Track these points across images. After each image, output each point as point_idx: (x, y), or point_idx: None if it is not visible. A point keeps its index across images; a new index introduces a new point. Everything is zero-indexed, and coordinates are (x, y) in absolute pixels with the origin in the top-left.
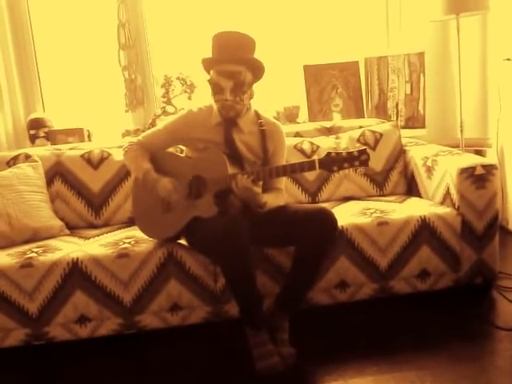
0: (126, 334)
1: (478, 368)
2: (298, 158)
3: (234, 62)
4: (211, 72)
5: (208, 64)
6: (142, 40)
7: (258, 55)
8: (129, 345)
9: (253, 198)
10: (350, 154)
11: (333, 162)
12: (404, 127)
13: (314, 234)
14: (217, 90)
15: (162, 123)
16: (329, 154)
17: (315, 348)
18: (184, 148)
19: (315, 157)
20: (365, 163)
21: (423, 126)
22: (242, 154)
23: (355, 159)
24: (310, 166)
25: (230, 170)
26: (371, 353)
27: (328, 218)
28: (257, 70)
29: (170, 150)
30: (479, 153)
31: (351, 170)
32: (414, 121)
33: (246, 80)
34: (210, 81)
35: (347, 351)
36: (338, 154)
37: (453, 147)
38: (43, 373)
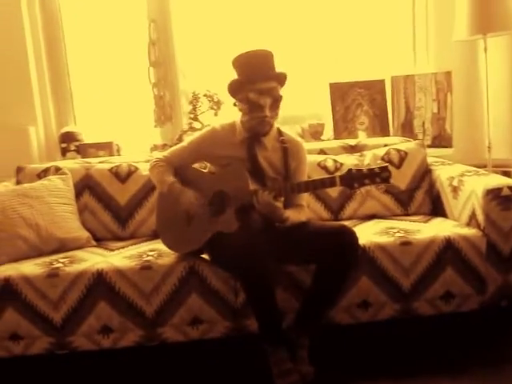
0: (148, 346)
1: None
2: (320, 176)
3: (267, 79)
4: (245, 92)
5: (240, 85)
6: (170, 58)
7: (283, 69)
8: (150, 357)
9: (274, 212)
10: (371, 170)
11: (354, 179)
12: (430, 146)
13: (335, 252)
14: (255, 108)
15: (186, 140)
16: (350, 170)
17: (335, 367)
18: (208, 164)
19: (337, 174)
20: (386, 180)
21: (450, 146)
22: (264, 170)
23: (376, 176)
24: (331, 182)
25: (252, 185)
26: (391, 375)
27: (349, 237)
28: (283, 82)
29: (195, 165)
30: (507, 174)
31: (373, 187)
32: (441, 140)
33: (279, 94)
34: (244, 100)
35: (367, 372)
36: (359, 170)
37: (480, 167)
38: (66, 379)
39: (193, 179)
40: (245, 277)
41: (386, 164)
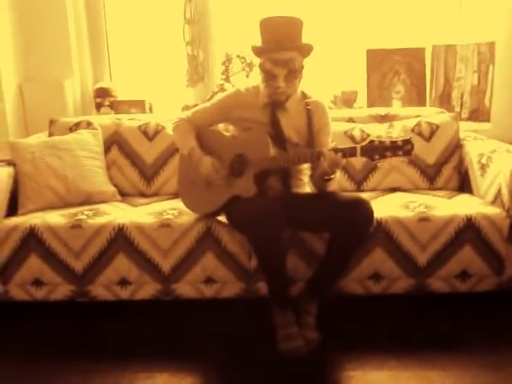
0: (163, 300)
1: (505, 377)
2: (346, 144)
3: (286, 49)
4: (263, 59)
5: (259, 51)
6: (206, 16)
7: (316, 38)
8: (164, 311)
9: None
10: (393, 142)
11: (375, 150)
12: (468, 119)
13: (349, 223)
14: (269, 77)
15: (210, 101)
16: (372, 141)
17: (341, 336)
18: (231, 126)
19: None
20: (408, 153)
21: (488, 120)
22: (286, 135)
23: (398, 149)
24: (352, 152)
25: (272, 151)
26: (397, 348)
27: (364, 209)
28: (306, 54)
29: (219, 127)
30: None
31: (394, 159)
32: (479, 114)
33: (299, 65)
34: (261, 67)
35: (373, 343)
36: (381, 142)
37: None
38: (85, 327)
39: (214, 141)
40: (258, 242)
41: (409, 137)
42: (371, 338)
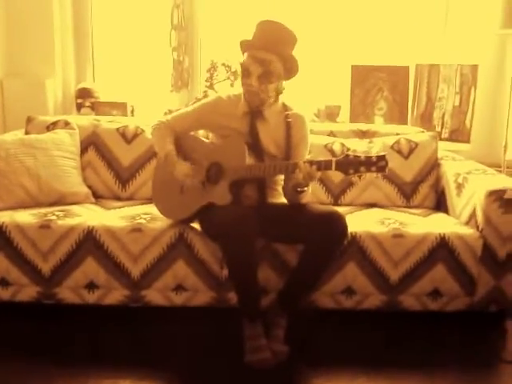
0: (132, 306)
1: None
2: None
3: (267, 50)
4: (246, 55)
5: (244, 46)
6: (193, 22)
7: (302, 51)
8: (134, 315)
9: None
10: (368, 158)
11: (349, 165)
12: (448, 140)
13: (323, 236)
14: (245, 73)
15: (191, 106)
16: (347, 156)
17: (311, 350)
18: (211, 133)
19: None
20: (382, 170)
21: (468, 141)
22: (264, 146)
23: (373, 164)
24: (327, 165)
25: (249, 160)
26: (367, 364)
27: (339, 223)
28: (289, 66)
29: (200, 133)
30: None
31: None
32: (459, 134)
33: (276, 70)
34: (241, 63)
35: (343, 358)
36: (356, 156)
37: (496, 167)
38: (52, 330)
39: (193, 147)
40: (229, 250)
41: (384, 153)
42: (342, 353)
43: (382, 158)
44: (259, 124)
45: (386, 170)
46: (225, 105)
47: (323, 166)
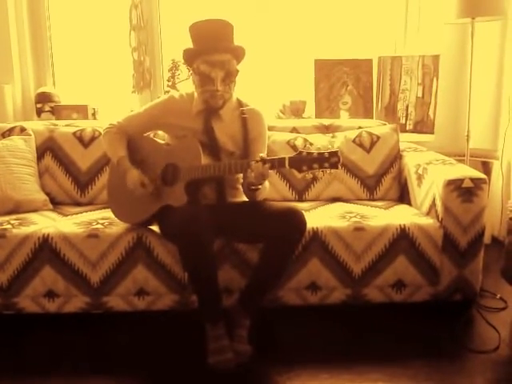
0: (95, 313)
1: None
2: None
3: (221, 51)
4: (197, 63)
5: (193, 55)
6: (153, 22)
7: (265, 46)
8: (97, 324)
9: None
10: (320, 154)
11: (303, 162)
12: (412, 131)
13: (281, 233)
14: (206, 80)
15: (143, 107)
16: (300, 152)
17: (274, 348)
18: (165, 134)
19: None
20: (334, 166)
21: (432, 132)
22: (220, 144)
23: (325, 161)
24: (280, 163)
25: (204, 160)
26: (329, 361)
27: (297, 219)
28: (240, 57)
29: (152, 134)
30: (486, 164)
31: (322, 171)
32: (423, 125)
33: (234, 68)
34: (196, 71)
35: (305, 355)
36: (308, 153)
37: (460, 156)
38: (11, 341)
39: (147, 149)
40: (185, 251)
41: (337, 149)
42: (305, 350)
43: (334, 154)
44: (214, 121)
45: (339, 166)
46: (177, 104)
47: (277, 164)
